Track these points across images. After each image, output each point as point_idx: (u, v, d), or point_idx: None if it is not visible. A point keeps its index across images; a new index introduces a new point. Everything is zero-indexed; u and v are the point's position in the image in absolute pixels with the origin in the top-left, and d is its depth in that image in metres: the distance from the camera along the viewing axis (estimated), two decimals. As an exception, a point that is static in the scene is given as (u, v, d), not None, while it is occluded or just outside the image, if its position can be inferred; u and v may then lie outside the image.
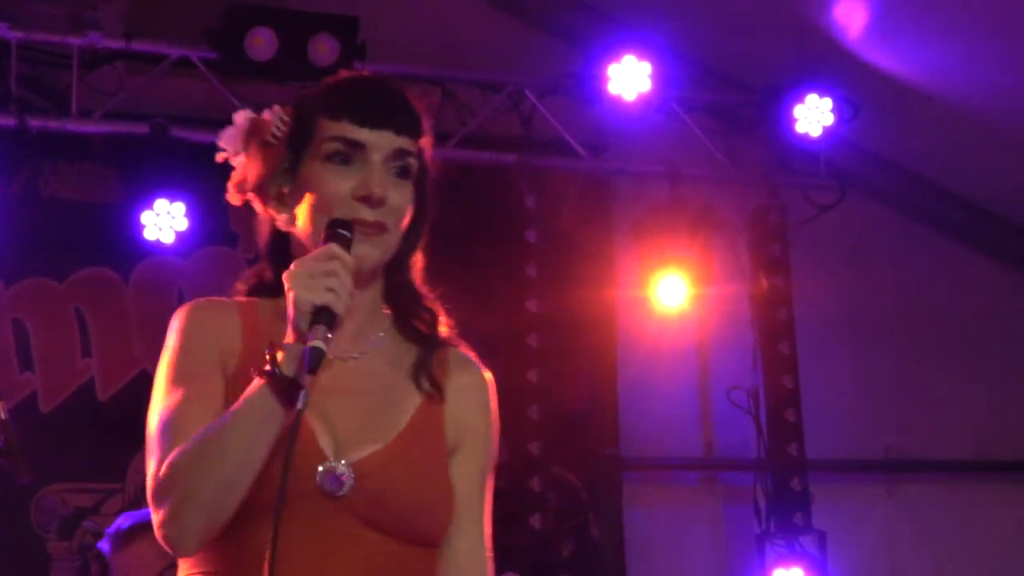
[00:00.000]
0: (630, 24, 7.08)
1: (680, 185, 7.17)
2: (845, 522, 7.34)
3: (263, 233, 2.63)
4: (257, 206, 2.61)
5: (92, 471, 6.63)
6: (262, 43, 6.42)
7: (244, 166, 2.60)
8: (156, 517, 2.38)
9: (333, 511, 2.42)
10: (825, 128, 7.14)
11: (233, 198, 2.62)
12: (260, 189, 2.58)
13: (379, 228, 2.49)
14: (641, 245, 7.18)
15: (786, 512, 7.09)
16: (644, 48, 6.93)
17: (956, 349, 7.86)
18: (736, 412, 7.28)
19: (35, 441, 6.51)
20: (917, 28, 6.75)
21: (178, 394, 2.46)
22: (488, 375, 2.69)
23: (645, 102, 6.97)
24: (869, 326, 7.77)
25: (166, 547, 2.39)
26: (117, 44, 6.49)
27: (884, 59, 6.94)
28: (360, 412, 2.51)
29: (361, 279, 2.48)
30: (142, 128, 6.43)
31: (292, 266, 2.38)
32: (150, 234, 6.41)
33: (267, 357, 2.33)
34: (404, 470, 2.48)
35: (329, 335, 2.30)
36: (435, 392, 2.58)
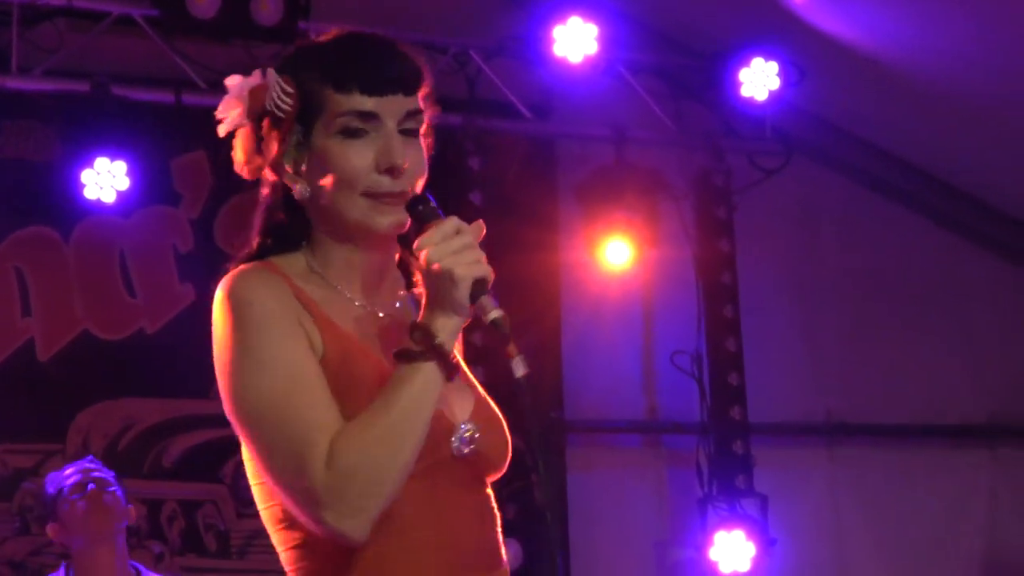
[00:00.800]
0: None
1: (625, 148, 7.17)
2: (787, 485, 7.38)
3: (275, 199, 2.56)
4: (268, 175, 2.56)
5: (32, 432, 6.57)
6: (204, 1, 6.36)
7: (250, 139, 2.55)
8: (326, 513, 2.31)
9: (460, 472, 2.48)
10: (771, 92, 7.14)
11: (243, 171, 2.56)
12: (274, 163, 2.52)
13: (405, 197, 2.48)
14: (586, 208, 7.17)
15: (728, 475, 7.12)
16: (590, 10, 6.91)
17: (899, 314, 7.89)
18: (679, 375, 7.30)
19: (-26, 401, 6.49)
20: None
21: (294, 380, 2.38)
22: None
23: (591, 65, 6.95)
24: (813, 290, 7.79)
25: (339, 539, 2.34)
26: (58, 1, 6.42)
27: (830, 23, 6.94)
28: None
29: (387, 245, 2.53)
30: (83, 86, 6.36)
31: (422, 244, 2.37)
32: (91, 193, 6.34)
33: (425, 336, 2.34)
34: (494, 420, 2.57)
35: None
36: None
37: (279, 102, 2.49)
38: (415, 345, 2.35)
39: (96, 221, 6.64)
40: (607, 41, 6.94)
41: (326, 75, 2.47)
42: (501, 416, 2.61)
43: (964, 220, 8.05)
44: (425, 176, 2.53)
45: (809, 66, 7.17)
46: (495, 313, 2.36)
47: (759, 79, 7.12)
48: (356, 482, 2.30)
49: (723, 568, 6.97)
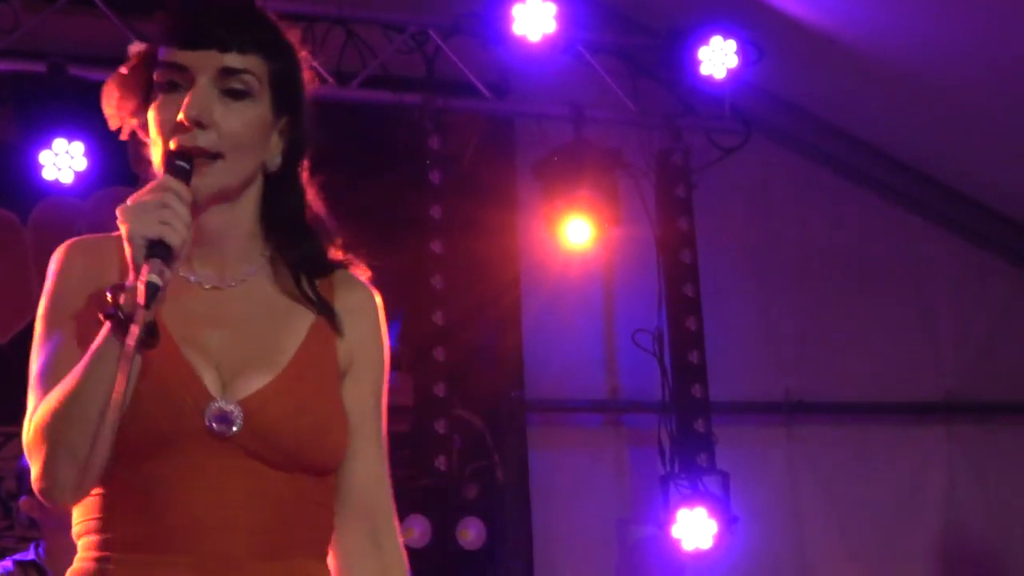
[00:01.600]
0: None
1: (584, 127, 7.16)
2: (746, 463, 7.40)
3: (153, 163, 2.54)
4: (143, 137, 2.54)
5: (-10, 414, 6.55)
6: (161, -20, 6.33)
7: (115, 101, 2.54)
8: (32, 471, 2.34)
9: (223, 449, 2.38)
10: (729, 71, 7.13)
11: (121, 133, 2.56)
12: (136, 124, 2.52)
13: (202, 153, 2.40)
14: (545, 187, 7.16)
15: (690, 453, 7.13)
16: (549, -12, 6.90)
17: (858, 293, 7.92)
18: (640, 354, 7.31)
19: (-69, 384, 6.44)
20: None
21: (51, 343, 2.45)
22: (376, 294, 2.64)
23: (550, 44, 6.93)
24: (772, 269, 7.80)
25: (44, 502, 2.34)
26: (13, -19, 6.38)
27: (788, 2, 6.94)
28: (244, 341, 2.46)
29: (214, 207, 2.45)
30: (39, 66, 6.31)
31: (128, 201, 2.32)
32: (48, 174, 6.30)
33: (108, 298, 2.26)
34: (294, 402, 2.43)
35: (165, 268, 2.24)
36: (326, 313, 2.53)
37: (131, 66, 2.51)
38: (103, 308, 2.29)
39: (54, 202, 6.61)
40: (566, 20, 6.92)
41: (155, 31, 2.48)
42: (324, 402, 2.49)
43: (922, 199, 8.08)
44: (249, 142, 2.45)
45: (768, 45, 7.17)
46: (150, 277, 2.23)
47: (718, 58, 7.11)
48: (42, 446, 2.31)
49: (686, 546, 6.99)
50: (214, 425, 2.36)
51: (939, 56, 7.00)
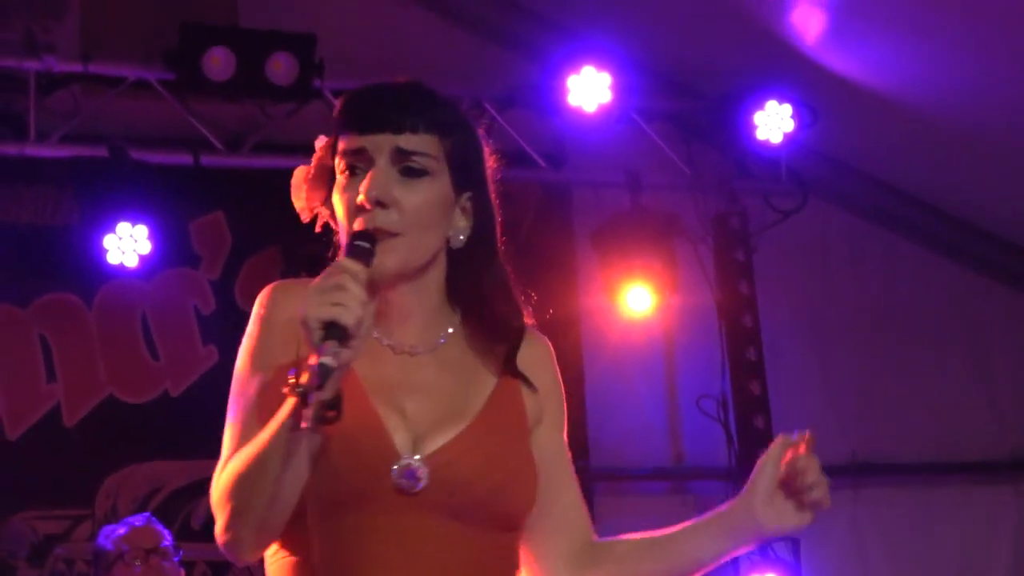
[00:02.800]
0: (586, 34, 7.06)
1: (641, 194, 7.17)
2: (814, 526, 7.30)
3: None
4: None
5: (61, 497, 6.58)
6: (219, 63, 6.39)
7: (303, 194, 2.61)
8: (216, 524, 2.41)
9: (412, 507, 2.40)
10: (786, 135, 7.13)
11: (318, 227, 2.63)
12: (328, 214, 2.57)
13: (383, 232, 2.44)
14: (604, 255, 7.17)
15: (758, 519, 7.08)
16: (603, 59, 6.93)
17: (919, 352, 7.87)
18: (704, 421, 7.28)
19: (2, 468, 6.49)
20: (872, 31, 6.77)
21: (248, 393, 2.48)
22: (548, 342, 2.80)
23: (605, 113, 6.95)
24: (832, 331, 7.77)
25: (226, 555, 2.42)
26: (74, 67, 6.45)
27: (840, 63, 6.95)
28: (435, 406, 2.48)
29: (400, 284, 2.48)
30: (101, 151, 6.39)
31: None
32: (113, 258, 6.36)
33: (289, 378, 2.26)
34: (481, 455, 2.47)
35: (342, 349, 2.24)
36: (514, 373, 2.61)
37: (317, 159, 2.58)
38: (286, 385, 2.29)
39: (117, 285, 6.67)
40: (620, 89, 6.95)
41: (335, 122, 2.53)
42: (512, 454, 2.53)
43: (980, 255, 8.04)
44: (429, 219, 2.50)
45: (821, 106, 7.18)
46: (323, 360, 2.23)
47: (774, 122, 7.11)
48: (225, 507, 2.38)
49: (756, 613, 6.94)
50: (401, 482, 2.40)
51: (992, 112, 6.99)
